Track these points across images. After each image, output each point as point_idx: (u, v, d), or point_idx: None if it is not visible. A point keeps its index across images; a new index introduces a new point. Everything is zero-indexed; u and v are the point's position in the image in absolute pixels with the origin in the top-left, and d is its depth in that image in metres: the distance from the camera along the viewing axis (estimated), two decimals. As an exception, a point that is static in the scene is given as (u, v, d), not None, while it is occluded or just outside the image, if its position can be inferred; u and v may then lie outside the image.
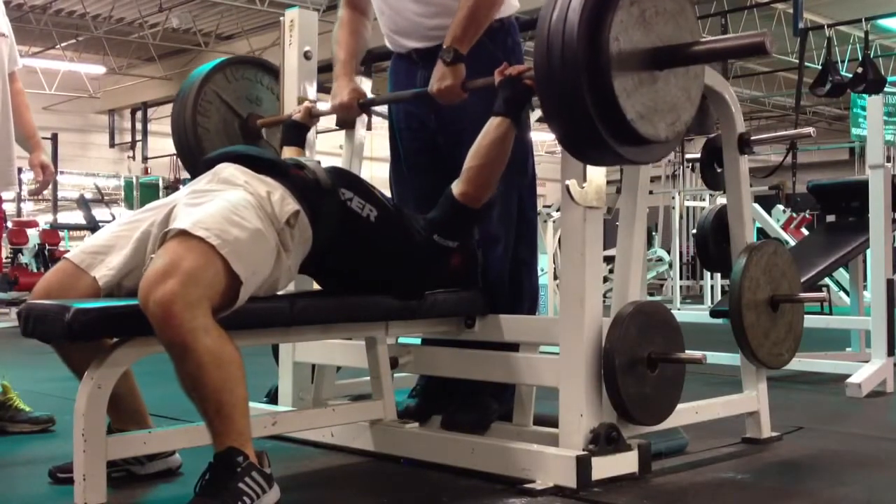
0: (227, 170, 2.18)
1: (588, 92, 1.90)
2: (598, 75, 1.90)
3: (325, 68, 2.87)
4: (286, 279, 2.18)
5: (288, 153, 2.71)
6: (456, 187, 2.38)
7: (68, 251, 2.85)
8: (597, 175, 2.26)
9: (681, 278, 10.80)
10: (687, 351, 2.37)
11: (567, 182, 2.22)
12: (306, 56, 2.93)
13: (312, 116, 2.77)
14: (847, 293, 5.70)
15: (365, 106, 2.75)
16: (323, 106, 2.81)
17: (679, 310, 7.54)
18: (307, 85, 2.92)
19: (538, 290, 2.77)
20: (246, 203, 2.04)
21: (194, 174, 2.40)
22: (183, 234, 1.90)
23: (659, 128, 2.02)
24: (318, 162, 2.40)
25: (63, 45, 14.48)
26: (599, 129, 1.94)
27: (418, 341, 2.77)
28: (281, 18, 3.02)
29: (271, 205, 2.09)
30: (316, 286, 2.57)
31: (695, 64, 2.09)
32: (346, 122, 2.83)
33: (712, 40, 2.07)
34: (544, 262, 6.60)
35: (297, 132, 2.75)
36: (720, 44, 2.05)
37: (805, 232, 10.38)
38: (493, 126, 2.34)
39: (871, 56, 9.60)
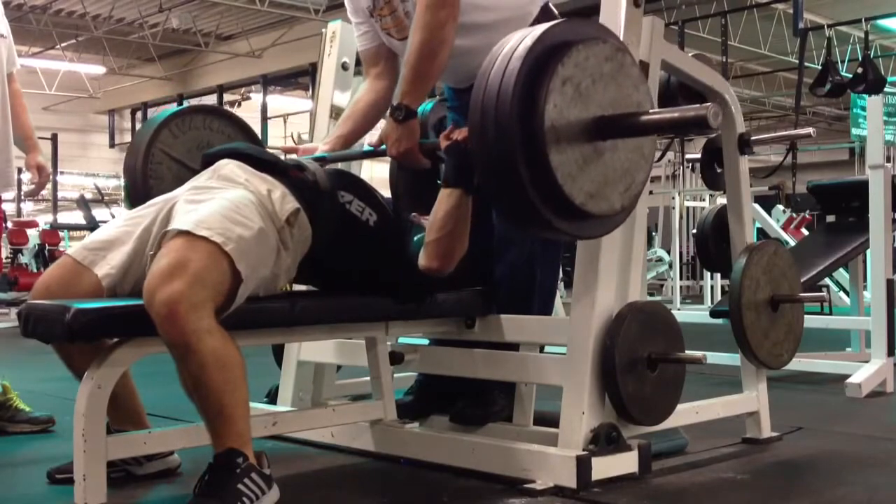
0: (227, 167, 2.18)
1: (531, 182, 1.83)
2: (538, 166, 1.82)
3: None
4: (285, 278, 2.18)
5: None
6: (421, 259, 2.28)
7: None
8: None
9: (681, 278, 10.80)
10: (687, 351, 2.37)
11: None
12: (344, 67, 3.00)
13: None
14: (847, 293, 5.70)
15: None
16: None
17: (679, 310, 7.54)
18: (340, 94, 2.97)
19: (554, 286, 2.75)
20: (247, 201, 2.04)
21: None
22: (186, 234, 1.90)
23: (613, 200, 1.94)
24: (321, 164, 2.40)
25: (63, 45, 14.49)
26: (547, 215, 1.88)
27: (424, 342, 2.77)
28: (323, 30, 3.07)
29: (272, 203, 2.09)
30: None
31: (638, 136, 1.99)
32: None
33: (656, 112, 2.00)
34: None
35: None
36: (664, 115, 1.98)
37: (805, 232, 10.39)
38: (444, 197, 2.21)
39: (871, 56, 9.61)
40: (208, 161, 2.26)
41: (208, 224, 1.92)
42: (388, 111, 2.33)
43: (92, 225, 10.24)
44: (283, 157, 2.35)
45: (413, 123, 2.32)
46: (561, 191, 1.84)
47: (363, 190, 2.33)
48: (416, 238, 2.36)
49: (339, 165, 2.92)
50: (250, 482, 1.85)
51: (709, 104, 1.89)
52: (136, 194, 2.61)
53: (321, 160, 2.58)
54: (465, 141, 2.10)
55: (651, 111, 2.00)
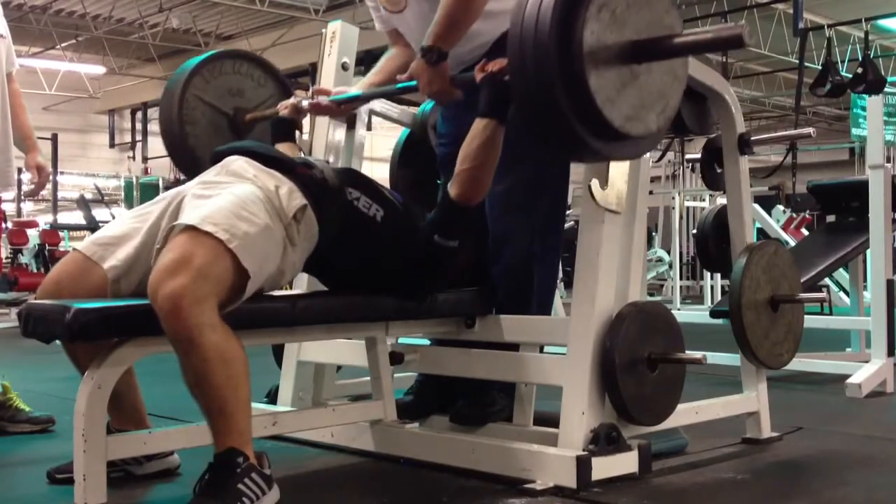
0: (236, 162, 2.19)
1: (570, 107, 1.86)
2: (577, 92, 1.85)
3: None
4: (290, 274, 2.19)
5: (280, 149, 2.72)
6: (451, 189, 2.35)
7: (68, 251, 2.83)
8: (619, 179, 2.27)
9: (681, 278, 10.79)
10: (687, 351, 2.37)
11: (590, 182, 2.23)
12: (344, 67, 3.00)
13: (299, 112, 2.75)
14: (847, 293, 5.70)
15: (342, 102, 2.72)
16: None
17: (679, 310, 7.54)
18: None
19: (552, 287, 2.75)
20: (254, 197, 2.05)
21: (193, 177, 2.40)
22: (192, 229, 1.90)
23: (649, 121, 1.98)
24: (328, 161, 2.41)
25: (63, 45, 14.49)
26: (585, 138, 1.91)
27: (425, 342, 2.77)
28: (323, 30, 3.07)
29: (279, 199, 2.09)
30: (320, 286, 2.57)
31: (673, 58, 2.03)
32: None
33: (690, 33, 2.02)
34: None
35: (285, 128, 2.74)
36: (698, 37, 2.00)
37: (805, 232, 10.38)
38: (479, 128, 2.27)
39: (871, 56, 9.61)
40: (217, 157, 2.27)
41: (214, 220, 1.93)
42: (420, 52, 2.36)
43: (92, 225, 10.25)
44: (292, 155, 2.36)
45: (445, 66, 2.35)
46: (601, 114, 1.87)
47: (370, 187, 2.33)
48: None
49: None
50: (250, 482, 1.85)
51: (742, 24, 1.92)
52: (173, 139, 2.72)
53: (355, 99, 2.69)
54: (501, 72, 2.16)
55: (685, 32, 2.01)
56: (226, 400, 1.84)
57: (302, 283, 2.77)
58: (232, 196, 2.03)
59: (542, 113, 1.93)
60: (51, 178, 3.69)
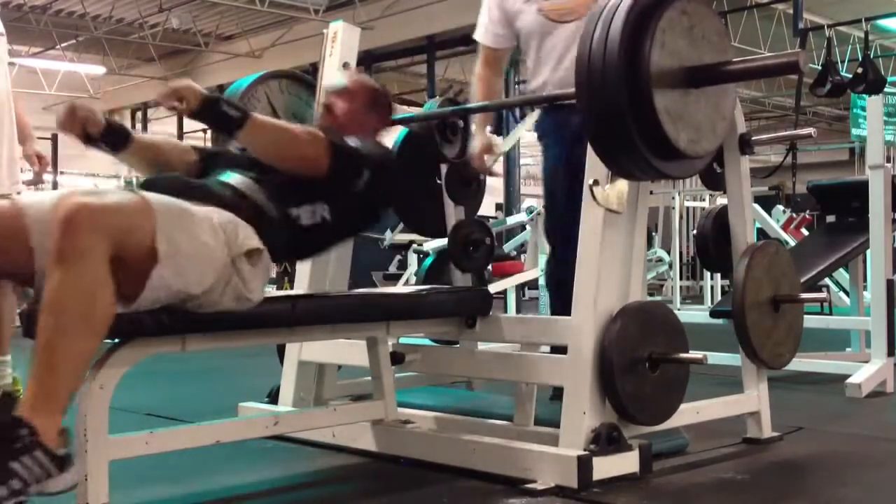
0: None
1: (624, 87, 1.92)
2: (636, 72, 1.92)
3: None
4: (258, 296, 2.04)
5: None
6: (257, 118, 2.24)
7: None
8: (620, 179, 2.28)
9: (681, 279, 10.78)
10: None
11: (590, 182, 2.24)
12: (345, 67, 3.01)
13: None
14: (847, 293, 5.69)
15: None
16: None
17: (679, 310, 7.53)
18: None
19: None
20: (204, 214, 1.94)
21: None
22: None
23: (680, 137, 2.01)
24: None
25: (63, 45, 14.47)
26: (632, 131, 1.96)
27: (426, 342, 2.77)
28: (324, 31, 3.09)
29: (234, 226, 1.97)
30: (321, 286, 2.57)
31: (729, 82, 2.09)
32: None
33: (745, 59, 2.08)
34: (543, 263, 6.59)
35: None
36: (754, 63, 2.08)
37: (805, 232, 10.38)
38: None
39: (871, 56, 9.59)
40: (148, 185, 2.13)
41: (153, 197, 1.83)
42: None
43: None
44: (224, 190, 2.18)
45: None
46: (651, 99, 1.93)
47: (302, 193, 2.23)
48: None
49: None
50: (30, 461, 1.62)
51: (798, 50, 1.96)
52: None
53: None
54: None
55: (740, 59, 2.08)
56: (55, 348, 1.63)
57: (303, 283, 2.78)
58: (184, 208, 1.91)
59: (602, 103, 1.97)
60: (51, 178, 3.69)
